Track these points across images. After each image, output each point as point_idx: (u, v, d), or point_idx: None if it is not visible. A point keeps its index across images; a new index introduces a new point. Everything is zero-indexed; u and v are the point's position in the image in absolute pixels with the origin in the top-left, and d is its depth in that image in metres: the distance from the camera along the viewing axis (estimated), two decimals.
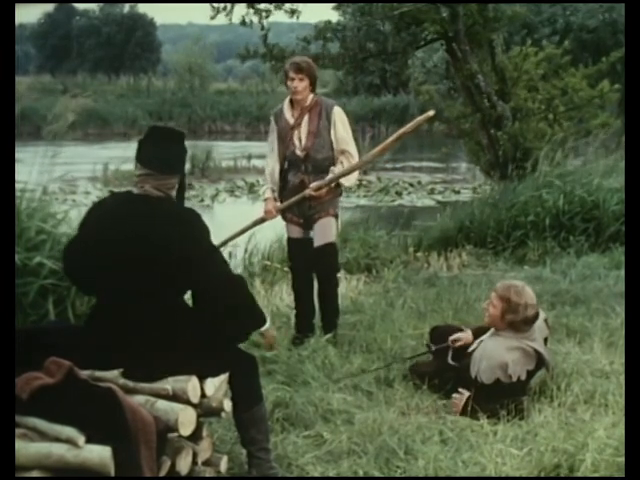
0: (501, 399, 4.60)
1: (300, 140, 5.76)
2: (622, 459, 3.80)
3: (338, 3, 19.73)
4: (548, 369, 4.90)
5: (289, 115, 5.79)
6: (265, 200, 5.93)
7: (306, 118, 5.74)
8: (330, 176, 5.74)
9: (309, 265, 5.92)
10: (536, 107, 11.57)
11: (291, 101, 5.79)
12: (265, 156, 6.04)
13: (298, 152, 5.76)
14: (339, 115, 5.78)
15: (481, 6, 11.21)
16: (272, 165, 5.90)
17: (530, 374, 4.82)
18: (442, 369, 5.07)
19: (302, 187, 5.76)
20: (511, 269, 8.50)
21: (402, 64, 34.23)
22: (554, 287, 7.33)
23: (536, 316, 4.88)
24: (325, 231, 5.83)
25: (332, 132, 5.75)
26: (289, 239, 6.06)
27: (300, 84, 5.65)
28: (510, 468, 3.90)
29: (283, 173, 5.88)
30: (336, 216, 5.92)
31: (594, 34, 34.37)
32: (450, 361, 5.09)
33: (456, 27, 11.03)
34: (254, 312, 3.81)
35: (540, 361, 4.84)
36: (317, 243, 5.83)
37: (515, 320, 4.83)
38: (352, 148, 5.79)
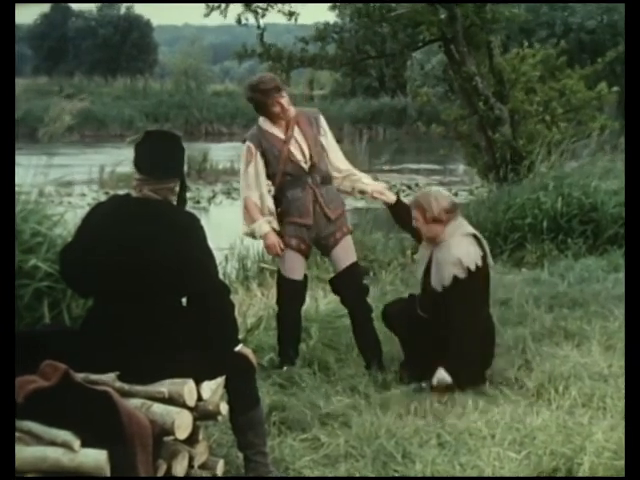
0: (466, 296, 4.89)
1: (302, 152, 5.33)
2: (620, 462, 3.79)
3: (335, 3, 19.68)
4: (486, 255, 5.12)
5: (277, 131, 5.33)
6: (264, 236, 5.31)
7: (297, 130, 5.34)
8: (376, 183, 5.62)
9: (300, 308, 5.49)
10: (534, 109, 11.57)
11: (270, 119, 5.33)
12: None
13: (303, 164, 5.33)
14: (324, 125, 5.46)
15: (479, 8, 11.21)
16: (257, 195, 5.34)
17: (484, 259, 5.07)
18: (413, 321, 5.22)
19: (315, 201, 5.33)
20: (509, 272, 8.48)
21: (400, 66, 34.25)
22: (552, 290, 7.31)
23: (453, 205, 5.14)
24: (348, 251, 5.46)
25: (324, 142, 5.41)
26: (285, 279, 5.38)
27: (286, 97, 5.28)
28: (508, 472, 3.88)
29: (278, 194, 5.39)
30: (351, 233, 5.60)
31: (593, 35, 34.37)
32: (419, 312, 5.18)
33: (454, 29, 11.03)
34: (232, 328, 3.80)
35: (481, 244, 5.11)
36: (342, 265, 5.40)
37: (435, 215, 5.05)
38: (344, 159, 5.56)
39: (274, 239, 5.29)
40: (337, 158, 5.51)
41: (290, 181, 5.34)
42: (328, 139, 5.47)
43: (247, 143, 5.37)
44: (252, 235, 5.42)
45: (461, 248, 5.02)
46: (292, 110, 5.31)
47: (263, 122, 5.37)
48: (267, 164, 5.34)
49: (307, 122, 5.40)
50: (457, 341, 4.93)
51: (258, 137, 5.34)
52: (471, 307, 4.98)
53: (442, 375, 4.95)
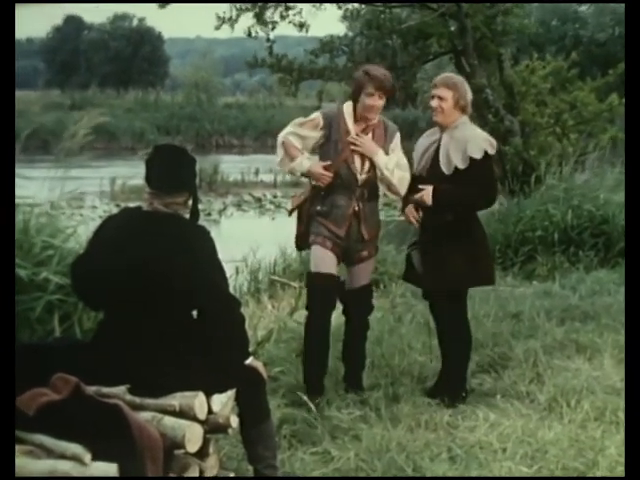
0: (491, 169, 5.10)
1: (363, 162, 5.05)
2: None
3: (345, 14, 19.72)
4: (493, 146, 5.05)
5: (351, 124, 5.05)
6: (309, 169, 4.99)
7: (370, 137, 5.07)
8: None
9: (331, 313, 5.17)
10: (545, 121, 11.57)
11: (356, 108, 5.04)
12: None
13: (359, 175, 5.05)
14: (399, 142, 5.21)
15: (489, 19, 11.23)
16: (298, 144, 5.02)
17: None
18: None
19: (355, 215, 5.06)
20: (520, 284, 8.45)
21: (410, 78, 34.23)
22: (563, 303, 7.28)
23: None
24: (367, 273, 5.27)
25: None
26: (315, 275, 5.07)
27: (380, 102, 4.99)
28: None
29: (325, 192, 5.06)
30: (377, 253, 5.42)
31: (604, 48, 34.30)
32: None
33: (464, 41, 11.05)
34: (243, 342, 3.79)
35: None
36: (356, 284, 5.17)
37: (466, 102, 5.00)
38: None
39: (320, 168, 4.99)
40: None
41: (340, 185, 5.02)
42: (397, 155, 5.18)
43: (320, 114, 5.11)
44: (294, 173, 5.20)
45: (483, 132, 5.14)
46: (376, 118, 5.06)
47: (347, 111, 5.08)
48: (322, 151, 5.09)
49: (382, 136, 5.12)
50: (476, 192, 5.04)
51: (331, 117, 5.07)
52: (494, 179, 5.28)
53: (428, 194, 5.03)
